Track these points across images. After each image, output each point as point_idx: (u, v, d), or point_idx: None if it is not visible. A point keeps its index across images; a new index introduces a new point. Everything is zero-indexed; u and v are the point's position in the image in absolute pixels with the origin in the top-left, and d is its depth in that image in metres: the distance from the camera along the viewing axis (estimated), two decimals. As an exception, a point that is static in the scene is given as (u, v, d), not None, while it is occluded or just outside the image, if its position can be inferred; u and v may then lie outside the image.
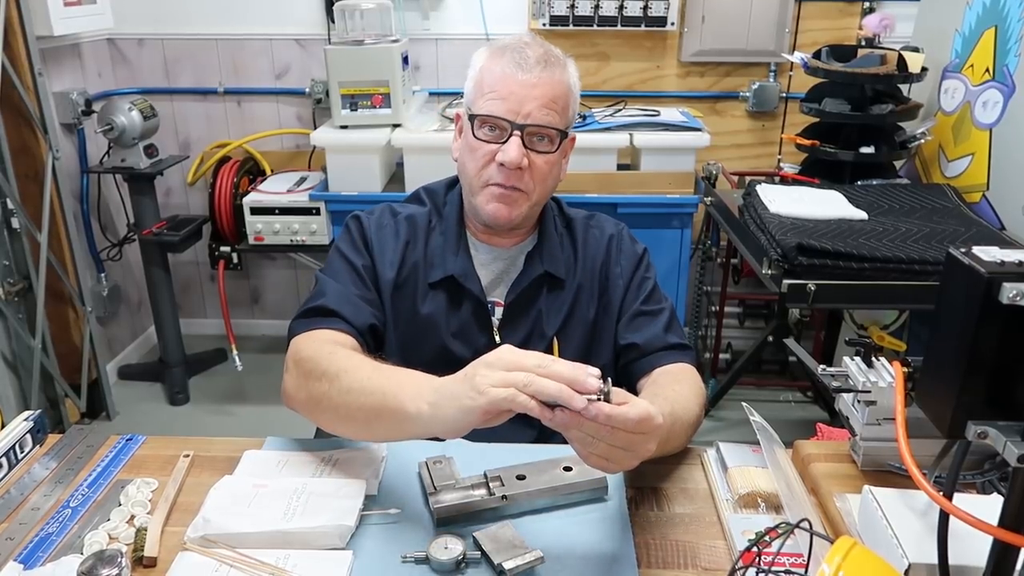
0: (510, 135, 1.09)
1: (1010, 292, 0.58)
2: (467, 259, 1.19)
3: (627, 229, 1.29)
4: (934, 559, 0.70)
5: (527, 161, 1.10)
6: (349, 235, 1.21)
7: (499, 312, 1.20)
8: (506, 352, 0.81)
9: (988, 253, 0.62)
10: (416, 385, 0.88)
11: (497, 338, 1.18)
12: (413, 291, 1.19)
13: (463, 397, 0.80)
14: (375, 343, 1.14)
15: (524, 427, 1.18)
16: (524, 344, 1.18)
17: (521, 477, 0.95)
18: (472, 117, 1.12)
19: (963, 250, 0.63)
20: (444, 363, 1.15)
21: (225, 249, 2.71)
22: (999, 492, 0.87)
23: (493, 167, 1.11)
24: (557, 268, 1.20)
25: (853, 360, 0.98)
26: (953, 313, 0.64)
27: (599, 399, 0.76)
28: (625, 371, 1.20)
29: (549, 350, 1.19)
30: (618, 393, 0.79)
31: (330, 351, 1.01)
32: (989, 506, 0.67)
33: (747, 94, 2.87)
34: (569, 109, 1.14)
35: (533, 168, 1.11)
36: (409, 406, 0.86)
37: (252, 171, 2.83)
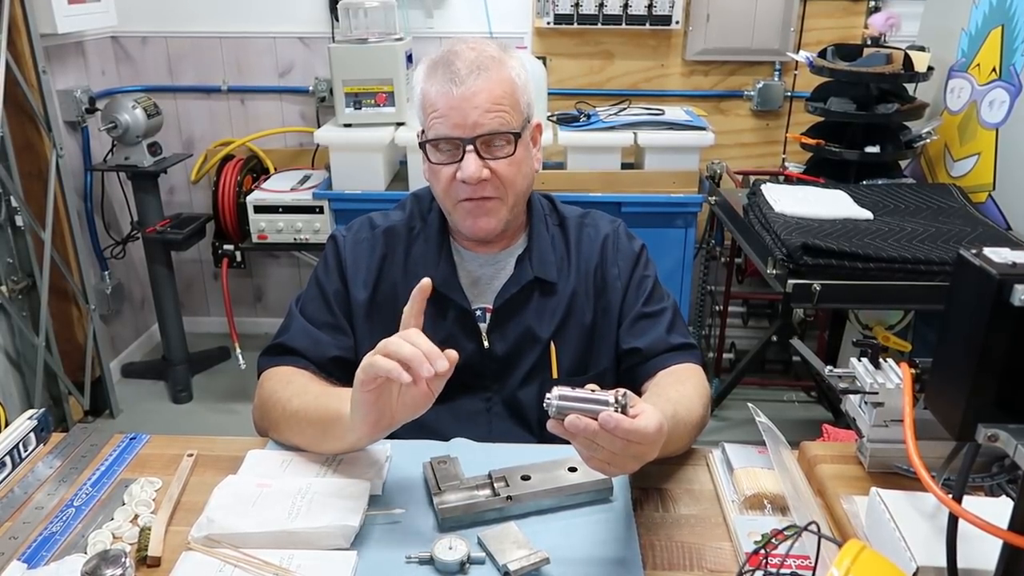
0: (464, 151, 1.07)
1: (1022, 294, 0.57)
2: (450, 268, 1.18)
3: (623, 226, 1.25)
4: (942, 562, 0.69)
5: (487, 171, 1.08)
6: (325, 259, 1.22)
7: (488, 318, 1.18)
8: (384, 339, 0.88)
9: (999, 255, 0.62)
10: (349, 393, 0.94)
11: (486, 344, 1.17)
12: (394, 305, 1.16)
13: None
14: (340, 371, 1.14)
15: (523, 432, 1.18)
16: (517, 349, 1.17)
17: (526, 477, 0.95)
18: (423, 144, 1.12)
19: (974, 251, 0.63)
20: None
21: (228, 247, 2.71)
22: (1008, 495, 0.86)
23: (458, 185, 1.09)
24: (548, 272, 1.18)
25: (860, 361, 0.97)
26: (963, 315, 0.64)
27: (616, 410, 0.76)
28: (628, 375, 1.18)
29: (545, 355, 1.18)
30: (627, 395, 0.78)
31: (286, 383, 1.09)
32: (998, 509, 0.66)
33: (752, 93, 2.86)
34: (520, 103, 1.11)
35: (497, 174, 1.09)
36: (344, 408, 0.94)
37: (255, 169, 2.83)
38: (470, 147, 1.07)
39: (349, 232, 1.22)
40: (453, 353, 0.86)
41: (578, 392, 0.78)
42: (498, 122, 1.07)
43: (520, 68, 1.12)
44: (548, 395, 0.77)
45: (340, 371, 1.13)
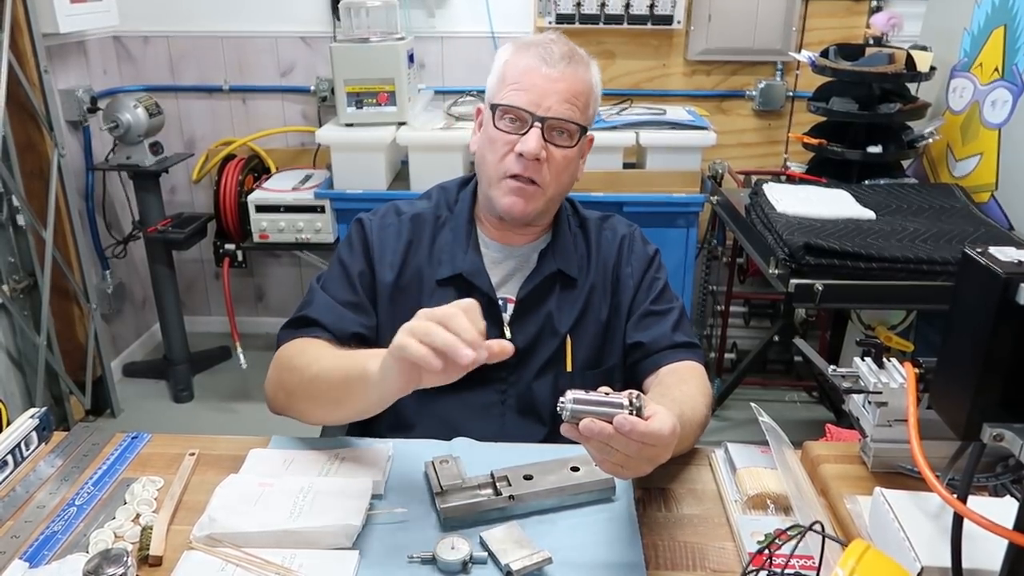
0: (530, 126, 1.09)
1: (1028, 293, 0.57)
2: (477, 256, 1.19)
3: (639, 230, 1.28)
4: (947, 562, 0.69)
5: (545, 153, 1.10)
6: (349, 240, 1.22)
7: (511, 308, 1.19)
8: (426, 309, 0.85)
9: (1005, 254, 0.61)
10: (377, 353, 0.93)
11: (508, 334, 1.18)
12: (418, 291, 1.19)
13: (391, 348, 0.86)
14: (360, 348, 1.13)
15: (535, 424, 1.19)
16: (535, 341, 1.18)
17: (528, 477, 0.95)
18: (494, 107, 1.13)
19: (979, 250, 0.62)
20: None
21: (230, 247, 2.71)
22: (1013, 495, 0.86)
23: (512, 158, 1.11)
24: (570, 267, 1.20)
25: (863, 361, 0.97)
26: (968, 314, 0.64)
27: (631, 412, 0.76)
28: (632, 370, 1.20)
29: (562, 349, 1.19)
30: (641, 397, 0.78)
31: (302, 352, 1.08)
32: (1002, 509, 0.66)
33: (753, 93, 2.86)
34: (590, 107, 1.15)
35: (551, 161, 1.11)
36: (370, 365, 0.91)
37: (257, 169, 2.83)
38: (538, 124, 1.09)
39: (375, 217, 1.23)
40: (508, 346, 0.83)
41: (592, 395, 0.77)
42: (569, 113, 1.10)
43: (599, 80, 1.17)
44: (562, 399, 0.77)
45: (360, 348, 1.13)
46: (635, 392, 0.78)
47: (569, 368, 1.19)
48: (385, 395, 0.92)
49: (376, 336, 1.18)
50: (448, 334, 0.80)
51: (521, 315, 1.19)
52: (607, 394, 0.78)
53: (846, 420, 1.05)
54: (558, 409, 0.77)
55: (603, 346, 1.21)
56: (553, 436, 1.17)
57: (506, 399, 1.19)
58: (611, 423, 0.75)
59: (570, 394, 0.77)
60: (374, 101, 2.44)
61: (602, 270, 1.22)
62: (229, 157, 2.80)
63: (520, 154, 1.09)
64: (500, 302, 1.19)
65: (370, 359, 0.92)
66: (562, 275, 1.20)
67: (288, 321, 1.17)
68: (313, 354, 1.06)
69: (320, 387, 1.01)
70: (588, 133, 1.18)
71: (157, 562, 0.85)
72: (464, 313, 0.82)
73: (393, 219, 1.22)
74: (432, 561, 0.84)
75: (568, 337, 1.19)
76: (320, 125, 2.78)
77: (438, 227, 1.22)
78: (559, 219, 1.23)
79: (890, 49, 2.22)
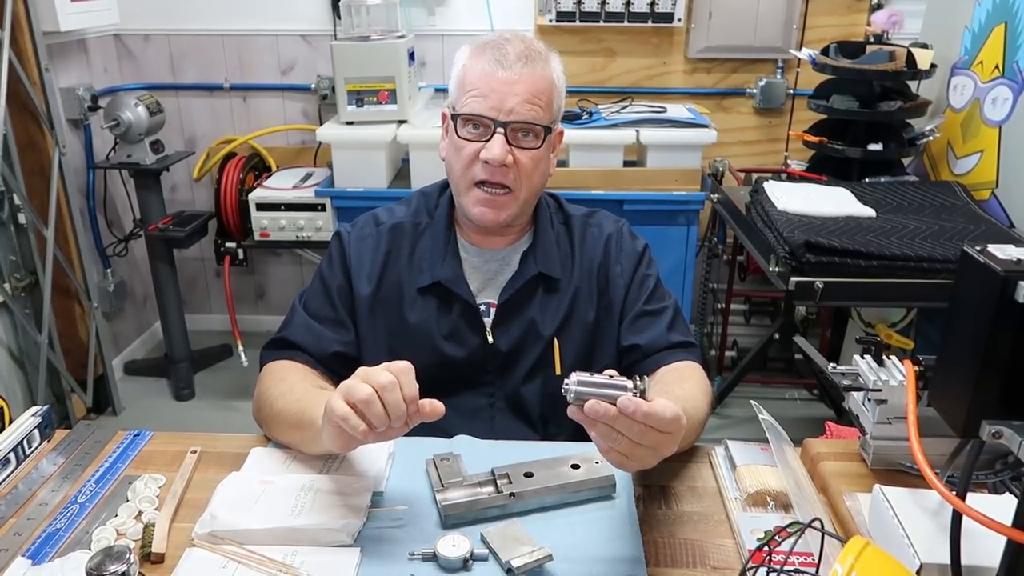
0: (493, 132, 1.08)
1: (1027, 291, 0.57)
2: (456, 263, 1.18)
3: (627, 226, 1.26)
4: (946, 559, 0.69)
5: (512, 158, 1.09)
6: (329, 254, 1.22)
7: (493, 313, 1.19)
8: (363, 371, 0.85)
9: (1004, 251, 0.62)
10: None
11: (490, 339, 1.17)
12: (398, 301, 1.18)
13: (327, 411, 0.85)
14: (341, 366, 1.13)
15: (525, 427, 1.18)
16: (520, 345, 1.18)
17: (529, 474, 0.95)
18: (455, 116, 1.12)
19: (978, 248, 0.63)
20: (439, 366, 1.16)
21: (231, 245, 2.71)
22: (1012, 492, 0.86)
23: (478, 165, 1.10)
24: (552, 268, 1.19)
25: (863, 358, 0.97)
26: (967, 312, 0.64)
27: (635, 395, 0.75)
28: (628, 372, 1.17)
29: (548, 352, 1.18)
30: (645, 380, 0.78)
31: (279, 380, 1.09)
32: (1001, 506, 0.67)
33: (754, 91, 2.86)
34: (553, 103, 1.13)
35: (519, 164, 1.10)
36: (317, 416, 0.91)
37: (258, 167, 2.83)
38: (500, 130, 1.08)
39: (353, 229, 1.23)
40: (439, 406, 0.84)
41: (596, 378, 0.77)
42: (532, 114, 1.09)
43: (560, 72, 1.15)
44: (566, 381, 0.76)
45: (341, 366, 1.13)
46: (639, 375, 0.78)
47: (558, 371, 1.18)
48: (330, 449, 0.91)
49: (358, 351, 1.18)
50: (382, 410, 0.81)
51: (503, 319, 1.18)
52: (611, 376, 0.78)
53: (846, 417, 1.06)
54: (563, 391, 0.76)
55: (592, 348, 1.20)
56: (548, 437, 1.17)
57: (495, 402, 1.19)
58: (615, 405, 0.74)
59: (574, 376, 0.77)
60: (375, 99, 2.45)
61: (587, 269, 1.20)
62: (230, 155, 2.80)
63: (486, 161, 1.09)
64: (482, 307, 1.18)
65: (319, 409, 0.89)
66: (544, 277, 1.18)
67: (269, 341, 1.17)
68: (285, 386, 1.06)
69: (281, 425, 1.03)
70: (556, 128, 1.16)
71: (159, 559, 0.85)
72: (398, 378, 0.82)
73: (372, 230, 1.22)
74: (433, 558, 0.84)
75: (555, 341, 1.18)
76: (321, 123, 2.78)
77: (418, 235, 1.21)
78: (540, 217, 1.22)
79: (891, 47, 2.22)
